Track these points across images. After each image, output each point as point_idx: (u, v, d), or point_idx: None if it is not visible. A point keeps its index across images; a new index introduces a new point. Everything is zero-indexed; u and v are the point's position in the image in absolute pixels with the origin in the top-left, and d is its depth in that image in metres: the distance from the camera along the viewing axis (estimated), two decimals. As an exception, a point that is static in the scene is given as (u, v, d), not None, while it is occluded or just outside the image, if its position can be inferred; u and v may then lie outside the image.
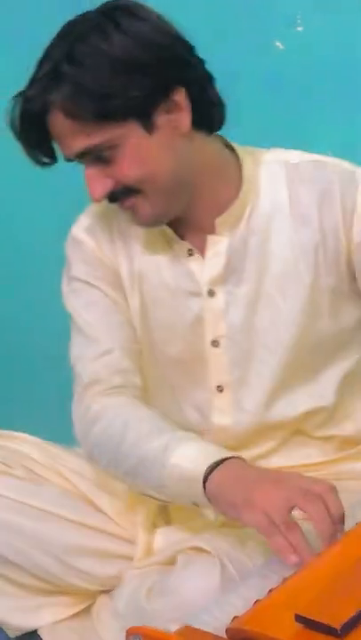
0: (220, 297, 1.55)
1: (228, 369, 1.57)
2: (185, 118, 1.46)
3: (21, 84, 1.44)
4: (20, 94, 1.46)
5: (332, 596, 1.08)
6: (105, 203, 1.56)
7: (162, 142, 1.45)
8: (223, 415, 1.58)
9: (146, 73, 1.41)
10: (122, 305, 1.61)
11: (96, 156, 1.45)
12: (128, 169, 1.45)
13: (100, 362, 1.59)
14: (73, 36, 1.43)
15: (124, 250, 1.60)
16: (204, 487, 1.36)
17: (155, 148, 1.45)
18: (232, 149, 1.56)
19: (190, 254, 1.56)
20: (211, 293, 1.55)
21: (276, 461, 1.60)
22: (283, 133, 1.78)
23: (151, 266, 1.58)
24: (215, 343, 1.57)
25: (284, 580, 1.17)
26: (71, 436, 1.77)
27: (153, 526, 1.61)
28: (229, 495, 1.34)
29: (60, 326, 2.30)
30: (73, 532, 1.61)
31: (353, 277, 1.53)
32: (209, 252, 1.54)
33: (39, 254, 2.43)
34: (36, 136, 1.48)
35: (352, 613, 1.03)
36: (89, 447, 1.58)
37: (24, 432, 1.74)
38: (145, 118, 1.43)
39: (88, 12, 1.47)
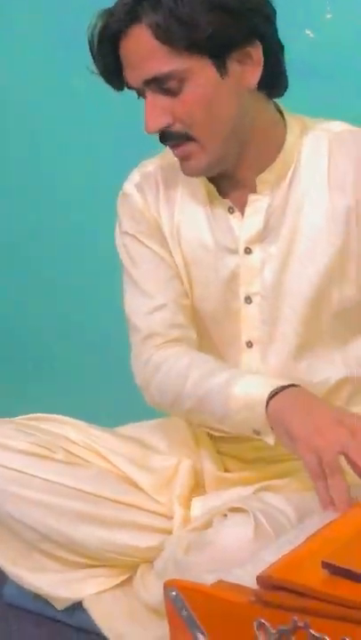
0: (257, 255, 1.58)
1: (259, 325, 1.60)
2: (255, 73, 1.48)
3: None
4: (106, 11, 1.46)
5: (358, 544, 1.10)
6: (157, 160, 1.63)
7: (229, 89, 1.47)
8: (250, 371, 1.60)
9: (232, 16, 1.43)
10: (169, 260, 1.65)
11: (162, 87, 1.46)
12: (192, 106, 1.46)
13: (156, 316, 1.63)
14: None
15: (166, 206, 1.64)
16: (267, 411, 1.41)
17: (222, 92, 1.47)
18: (281, 114, 1.58)
19: (231, 212, 1.59)
20: (248, 251, 1.58)
21: None
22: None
23: (190, 223, 1.62)
24: (248, 300, 1.60)
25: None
26: (110, 419, 1.81)
27: (188, 501, 1.63)
28: (288, 422, 1.38)
29: (100, 309, 2.33)
30: (111, 510, 1.65)
31: None
32: (249, 210, 1.57)
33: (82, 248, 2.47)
34: (112, 56, 1.48)
35: (377, 559, 1.05)
36: (152, 393, 1.63)
37: (64, 414, 1.78)
38: (220, 60, 1.45)
39: None
